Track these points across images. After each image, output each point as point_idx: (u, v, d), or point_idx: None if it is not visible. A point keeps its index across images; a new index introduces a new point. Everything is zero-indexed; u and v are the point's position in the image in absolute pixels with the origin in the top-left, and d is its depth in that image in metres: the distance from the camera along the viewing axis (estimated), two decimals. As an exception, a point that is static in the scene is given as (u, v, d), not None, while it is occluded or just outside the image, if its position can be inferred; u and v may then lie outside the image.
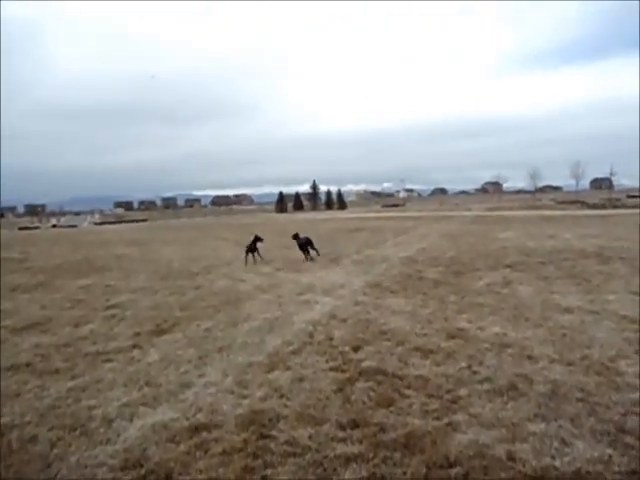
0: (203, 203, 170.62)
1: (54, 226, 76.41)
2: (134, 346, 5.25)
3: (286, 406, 3.57)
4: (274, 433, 3.15)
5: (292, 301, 7.41)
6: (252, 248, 12.98)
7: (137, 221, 77.26)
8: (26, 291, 9.56)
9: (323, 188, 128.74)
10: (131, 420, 3.42)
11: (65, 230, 54.55)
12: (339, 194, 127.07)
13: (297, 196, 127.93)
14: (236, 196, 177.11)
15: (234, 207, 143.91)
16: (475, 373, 4.09)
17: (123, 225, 62.29)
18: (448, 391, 3.73)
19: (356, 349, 4.86)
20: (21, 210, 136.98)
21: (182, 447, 2.99)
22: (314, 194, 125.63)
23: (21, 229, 65.52)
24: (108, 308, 7.43)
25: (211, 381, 4.12)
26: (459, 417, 3.28)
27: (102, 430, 3.27)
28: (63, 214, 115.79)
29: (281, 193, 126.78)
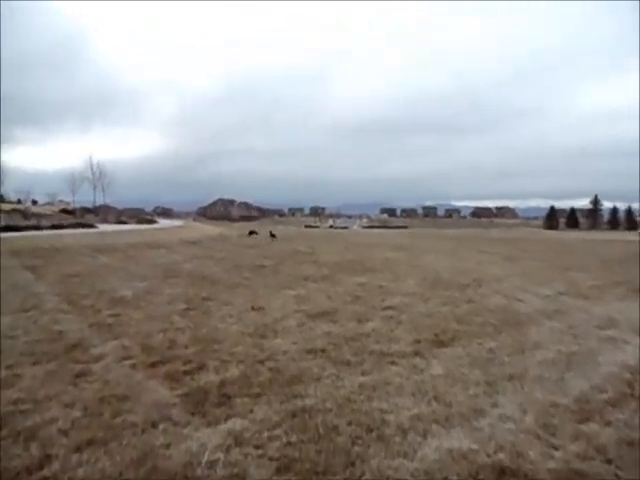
0: (462, 214, 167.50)
1: (331, 226, 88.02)
2: (415, 353, 5.14)
3: (619, 477, 2.77)
4: (609, 511, 2.44)
5: (591, 335, 6.17)
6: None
7: (399, 227, 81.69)
8: (314, 281, 10.80)
9: (607, 204, 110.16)
10: (425, 436, 3.21)
11: (339, 231, 61.83)
12: (628, 212, 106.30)
13: (572, 212, 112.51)
14: (498, 208, 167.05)
15: (495, 220, 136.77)
16: None
17: (387, 230, 66.59)
18: None
19: None
20: (307, 211, 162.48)
21: (491, 491, 2.60)
22: (594, 210, 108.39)
23: (306, 227, 77.99)
24: (385, 309, 7.66)
25: (507, 415, 3.59)
26: None
27: (397, 440, 3.15)
28: (338, 216, 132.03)
29: (552, 208, 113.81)
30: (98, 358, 4.75)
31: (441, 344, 5.57)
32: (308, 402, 3.75)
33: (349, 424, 3.37)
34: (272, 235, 28.17)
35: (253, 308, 7.39)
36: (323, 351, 5.17)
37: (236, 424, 3.32)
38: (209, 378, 4.22)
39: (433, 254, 19.43)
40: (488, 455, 2.97)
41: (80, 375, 4.24)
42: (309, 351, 5.16)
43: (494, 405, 3.79)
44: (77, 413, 3.44)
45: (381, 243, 27.38)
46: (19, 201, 71.39)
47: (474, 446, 3.07)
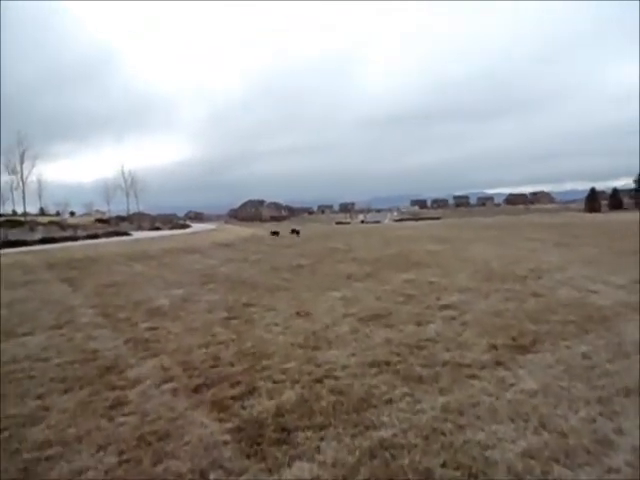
0: (496, 201, 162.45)
1: (362, 222, 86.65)
2: (497, 363, 4.38)
3: None
4: None
5: (697, 331, 5.24)
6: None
7: (431, 219, 79.70)
8: (358, 280, 10.09)
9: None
10: (548, 484, 2.47)
11: (371, 225, 60.61)
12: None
13: (614, 192, 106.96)
14: (533, 194, 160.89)
15: (530, 206, 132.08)
16: None
17: (419, 222, 64.93)
18: None
19: None
20: (336, 208, 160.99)
21: None
22: (639, 189, 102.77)
23: (337, 223, 77.04)
24: (442, 308, 6.89)
25: (643, 447, 2.81)
26: None
27: (515, 490, 2.42)
28: (368, 211, 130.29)
29: (593, 189, 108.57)
30: (135, 382, 4.20)
31: (523, 349, 4.77)
32: (385, 434, 3.06)
33: (443, 466, 2.66)
34: (296, 232, 30.92)
35: (299, 314, 6.76)
36: (387, 364, 4.46)
37: (303, 470, 2.66)
38: (263, 405, 3.58)
39: (477, 244, 18.36)
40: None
41: (115, 405, 3.69)
42: (371, 364, 4.46)
43: (619, 432, 3.01)
44: (111, 459, 2.86)
45: (419, 236, 26.32)
46: (57, 213, 73.64)
47: (621, 499, 2.32)
